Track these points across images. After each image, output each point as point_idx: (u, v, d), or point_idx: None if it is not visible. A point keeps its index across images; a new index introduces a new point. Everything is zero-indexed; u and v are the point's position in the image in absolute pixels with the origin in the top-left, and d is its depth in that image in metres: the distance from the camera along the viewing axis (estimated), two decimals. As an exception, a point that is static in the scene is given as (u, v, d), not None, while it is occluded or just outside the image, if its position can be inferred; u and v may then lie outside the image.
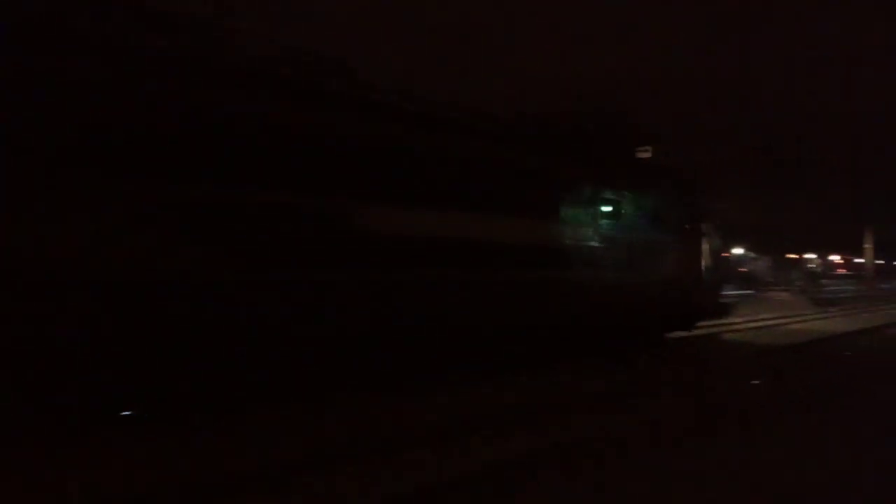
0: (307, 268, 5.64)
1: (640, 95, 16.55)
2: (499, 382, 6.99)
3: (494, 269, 7.66)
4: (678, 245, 11.44)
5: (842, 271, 66.55)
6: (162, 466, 3.87)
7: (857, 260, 60.25)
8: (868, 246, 53.76)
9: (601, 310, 9.58)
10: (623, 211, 10.02)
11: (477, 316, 7.45)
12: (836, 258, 67.02)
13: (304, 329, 5.58)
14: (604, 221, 9.59)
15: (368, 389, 6.09)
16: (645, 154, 11.96)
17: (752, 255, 49.38)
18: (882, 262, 58.90)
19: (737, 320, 15.71)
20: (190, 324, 4.87)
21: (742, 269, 44.59)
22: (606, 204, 9.72)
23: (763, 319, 17.09)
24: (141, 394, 4.91)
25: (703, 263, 12.46)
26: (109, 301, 4.47)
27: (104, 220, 4.46)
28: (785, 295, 29.01)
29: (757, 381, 7.34)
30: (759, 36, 14.62)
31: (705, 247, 12.68)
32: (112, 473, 3.74)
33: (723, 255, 17.52)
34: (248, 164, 5.28)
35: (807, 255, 57.74)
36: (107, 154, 4.51)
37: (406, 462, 4.03)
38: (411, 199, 6.70)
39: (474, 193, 7.45)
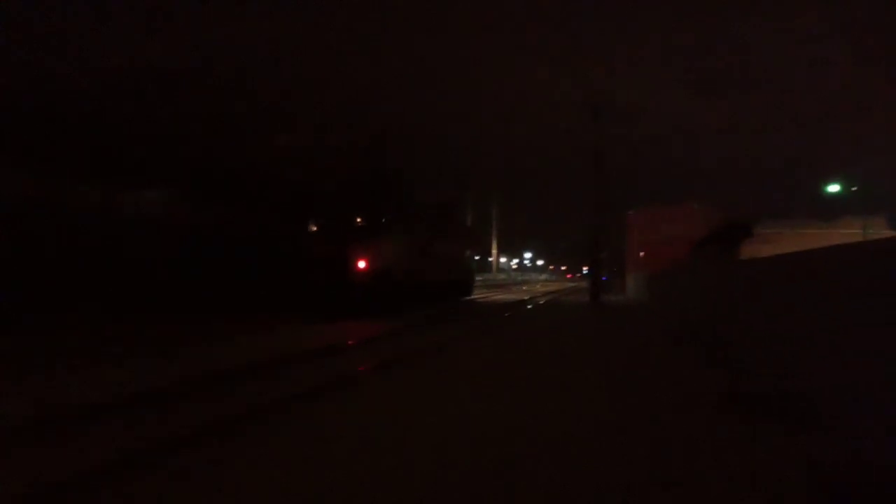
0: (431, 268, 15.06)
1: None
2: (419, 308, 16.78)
3: (434, 266, 17.73)
4: (467, 255, 22.57)
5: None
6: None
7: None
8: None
9: (444, 282, 20.26)
10: (448, 243, 20.56)
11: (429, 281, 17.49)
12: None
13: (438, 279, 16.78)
14: (446, 247, 20.03)
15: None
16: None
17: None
18: (478, 258, 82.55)
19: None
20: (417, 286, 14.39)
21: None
22: (453, 241, 20.34)
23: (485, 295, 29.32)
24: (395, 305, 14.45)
25: (472, 264, 24.23)
26: (408, 282, 13.81)
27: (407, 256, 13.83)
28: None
29: (508, 314, 18.08)
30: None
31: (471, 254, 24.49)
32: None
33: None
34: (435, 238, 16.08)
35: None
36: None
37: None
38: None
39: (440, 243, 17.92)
